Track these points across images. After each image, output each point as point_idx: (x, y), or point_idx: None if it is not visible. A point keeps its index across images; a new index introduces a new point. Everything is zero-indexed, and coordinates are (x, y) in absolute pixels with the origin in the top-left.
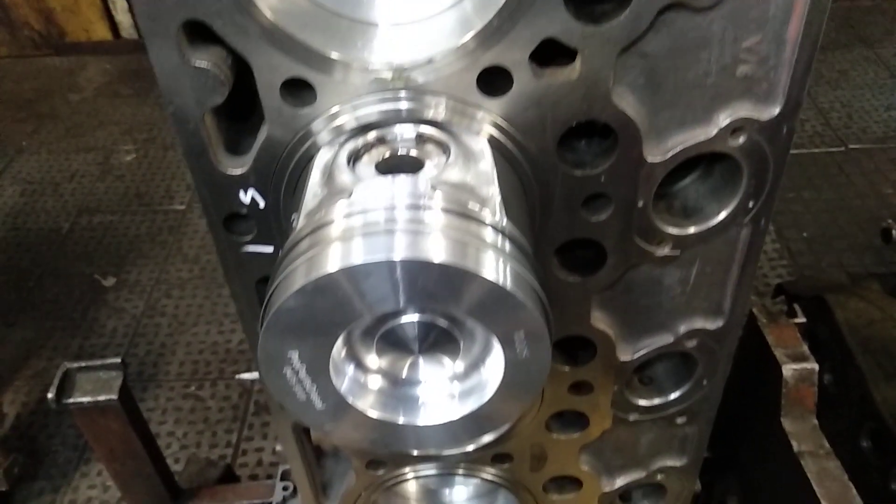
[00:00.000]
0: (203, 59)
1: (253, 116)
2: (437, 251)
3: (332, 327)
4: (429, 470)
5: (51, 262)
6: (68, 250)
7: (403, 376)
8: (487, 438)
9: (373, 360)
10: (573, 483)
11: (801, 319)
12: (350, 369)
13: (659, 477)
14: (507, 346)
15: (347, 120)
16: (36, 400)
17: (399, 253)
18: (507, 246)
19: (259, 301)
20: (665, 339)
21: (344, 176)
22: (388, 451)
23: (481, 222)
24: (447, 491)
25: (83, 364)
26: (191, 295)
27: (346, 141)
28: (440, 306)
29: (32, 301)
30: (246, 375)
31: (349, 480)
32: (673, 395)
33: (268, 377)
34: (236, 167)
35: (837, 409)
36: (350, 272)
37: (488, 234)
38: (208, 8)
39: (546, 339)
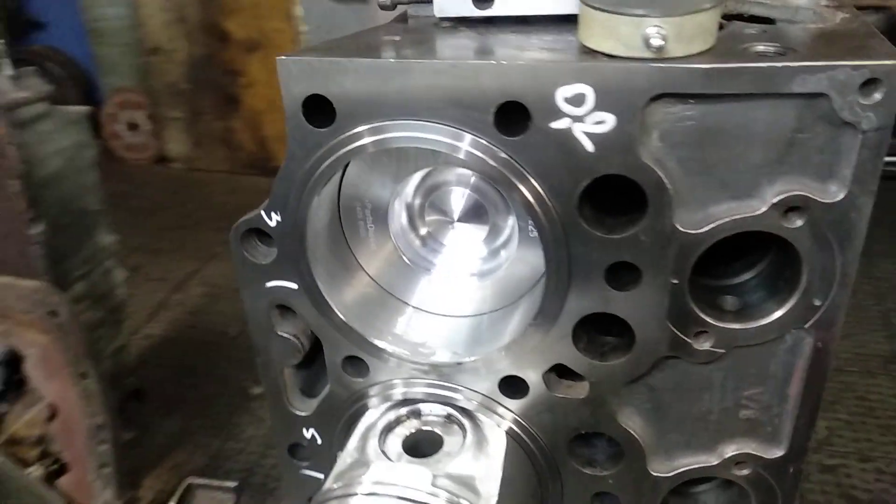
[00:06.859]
0: (287, 330)
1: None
2: None
3: None
4: None
5: (213, 364)
6: (231, 355)
7: None
8: None
9: None
10: None
11: None
12: None
13: None
14: None
15: (393, 394)
16: (170, 489)
17: None
18: None
19: None
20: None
21: (371, 451)
22: None
23: None
24: None
25: (204, 482)
26: None
27: (388, 410)
28: None
29: (188, 397)
30: None
31: None
32: None
33: None
34: (303, 409)
35: None
36: None
37: None
38: (294, 300)
39: None
